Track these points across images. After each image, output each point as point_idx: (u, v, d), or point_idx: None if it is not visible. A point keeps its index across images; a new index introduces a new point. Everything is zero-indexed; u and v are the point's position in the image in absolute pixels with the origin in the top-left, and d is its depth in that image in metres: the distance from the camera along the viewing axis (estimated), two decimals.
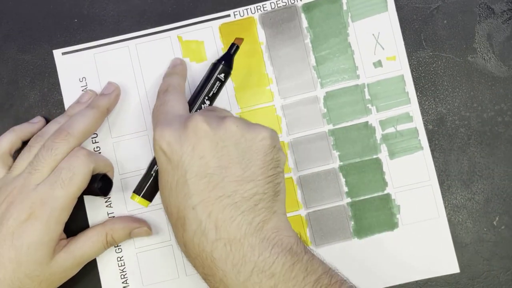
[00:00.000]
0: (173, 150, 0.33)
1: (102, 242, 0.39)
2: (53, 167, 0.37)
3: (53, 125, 0.40)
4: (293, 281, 0.31)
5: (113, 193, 0.42)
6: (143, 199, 0.37)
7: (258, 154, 0.33)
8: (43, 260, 0.36)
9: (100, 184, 0.39)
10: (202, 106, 0.39)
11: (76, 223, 0.41)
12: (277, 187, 0.33)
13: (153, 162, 0.37)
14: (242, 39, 0.41)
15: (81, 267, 0.39)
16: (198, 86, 0.40)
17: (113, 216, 0.42)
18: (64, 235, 0.39)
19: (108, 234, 0.39)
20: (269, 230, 0.32)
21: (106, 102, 0.41)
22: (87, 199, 0.42)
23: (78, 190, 0.37)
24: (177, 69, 0.41)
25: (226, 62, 0.40)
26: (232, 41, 0.41)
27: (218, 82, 0.39)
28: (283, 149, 0.42)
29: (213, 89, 0.39)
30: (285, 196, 0.35)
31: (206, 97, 0.39)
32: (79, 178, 0.37)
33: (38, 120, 0.42)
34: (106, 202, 0.42)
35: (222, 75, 0.39)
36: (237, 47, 0.40)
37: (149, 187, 0.37)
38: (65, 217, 0.37)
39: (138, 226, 0.40)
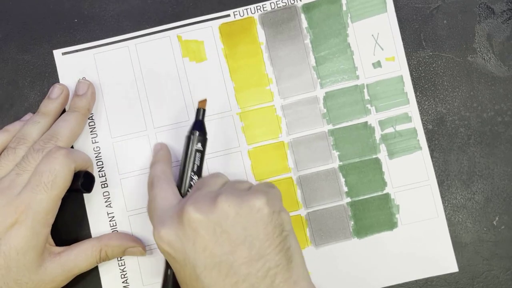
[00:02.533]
0: (175, 250, 0.33)
1: (96, 257, 0.39)
2: None
3: (32, 126, 0.39)
4: None
5: (113, 193, 0.42)
6: None
7: (259, 227, 0.32)
8: (32, 265, 0.36)
9: (82, 181, 0.39)
10: (191, 182, 0.38)
11: (76, 223, 0.42)
12: (288, 253, 0.32)
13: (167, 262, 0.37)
14: (205, 100, 0.40)
15: (71, 279, 0.38)
16: (180, 163, 0.39)
17: (113, 216, 0.42)
18: (52, 242, 0.39)
19: (103, 250, 0.39)
20: None
21: (85, 103, 0.41)
22: (87, 198, 0.42)
23: (62, 192, 0.37)
24: (158, 156, 0.40)
25: (198, 130, 0.39)
26: (200, 101, 0.40)
27: (198, 153, 0.39)
28: (283, 149, 0.43)
29: (196, 162, 0.39)
30: (301, 253, 0.33)
31: (192, 173, 0.38)
32: (61, 180, 0.36)
33: (30, 118, 0.41)
34: (105, 202, 0.42)
35: (199, 144, 0.39)
36: (204, 111, 0.40)
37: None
38: (50, 219, 0.37)
39: (133, 246, 0.40)
